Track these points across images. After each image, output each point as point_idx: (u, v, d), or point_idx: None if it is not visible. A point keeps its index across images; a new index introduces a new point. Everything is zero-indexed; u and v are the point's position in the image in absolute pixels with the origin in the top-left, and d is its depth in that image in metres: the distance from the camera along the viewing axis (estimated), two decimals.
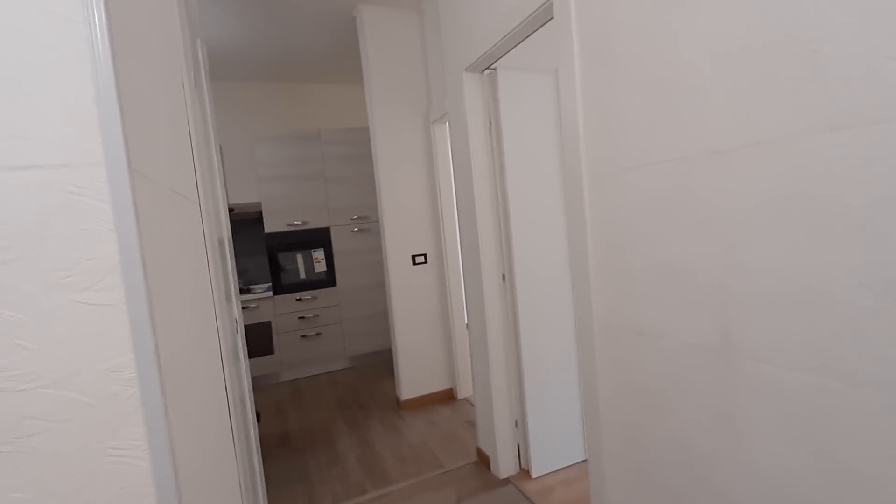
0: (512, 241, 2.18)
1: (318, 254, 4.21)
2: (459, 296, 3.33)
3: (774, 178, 0.95)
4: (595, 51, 1.36)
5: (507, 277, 2.26)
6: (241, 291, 4.11)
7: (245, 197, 4.38)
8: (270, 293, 4.03)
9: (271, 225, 4.05)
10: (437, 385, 3.37)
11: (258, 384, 4.09)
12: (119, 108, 0.53)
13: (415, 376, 3.30)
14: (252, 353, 2.33)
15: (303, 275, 4.16)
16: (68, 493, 0.53)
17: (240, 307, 1.92)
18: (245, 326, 2.92)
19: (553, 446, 2.31)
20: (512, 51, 1.98)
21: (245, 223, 4.40)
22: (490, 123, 2.20)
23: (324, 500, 2.29)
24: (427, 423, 3.03)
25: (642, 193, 1.26)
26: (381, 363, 4.41)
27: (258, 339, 2.52)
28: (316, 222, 4.18)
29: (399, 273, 3.23)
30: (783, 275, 0.95)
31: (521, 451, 2.35)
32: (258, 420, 2.81)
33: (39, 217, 0.51)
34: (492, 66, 2.13)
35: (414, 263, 3.28)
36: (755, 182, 0.98)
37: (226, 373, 1.17)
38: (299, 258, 4.15)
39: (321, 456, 2.72)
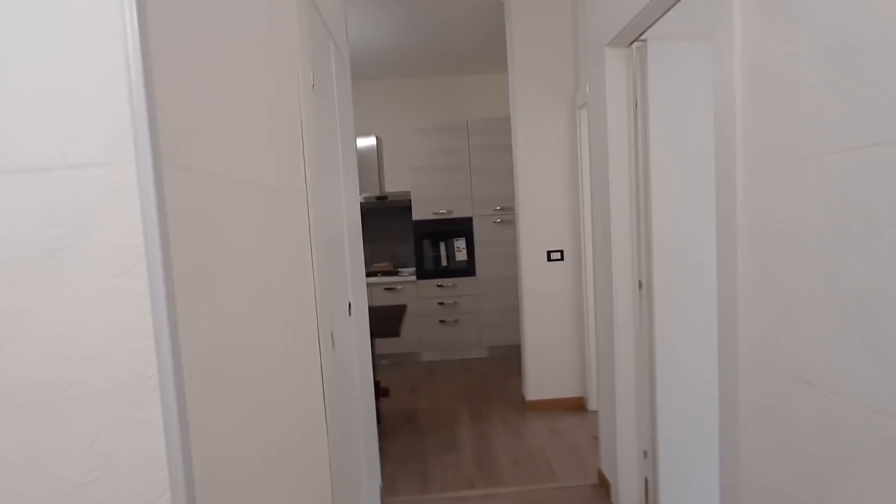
0: (653, 244, 1.86)
1: (460, 243, 4.30)
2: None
3: None
4: (761, 2, 1.03)
5: (644, 285, 1.94)
6: (389, 274, 4.46)
7: (400, 186, 4.73)
8: (414, 277, 4.28)
9: (419, 213, 4.28)
10: (566, 391, 3.14)
11: (399, 361, 4.41)
12: (146, 110, 0.56)
13: (543, 378, 3.14)
14: (378, 333, 2.49)
15: (445, 262, 4.31)
16: (106, 453, 0.59)
17: (363, 290, 2.05)
18: (382, 308, 3.15)
19: (690, 490, 1.93)
20: (665, 16, 1.65)
21: (398, 210, 4.75)
22: (635, 106, 1.89)
23: (433, 484, 2.34)
24: (549, 430, 2.85)
25: (822, 191, 0.91)
26: (515, 358, 4.33)
27: (387, 321, 2.68)
28: (460, 212, 4.27)
29: (532, 268, 3.09)
30: None
31: (650, 487, 2.03)
32: (386, 395, 3.03)
33: (86, 210, 0.57)
34: (640, 38, 1.82)
35: (549, 259, 3.09)
36: None
37: (322, 356, 1.24)
38: (442, 246, 4.31)
39: (441, 441, 2.79)
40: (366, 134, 4.52)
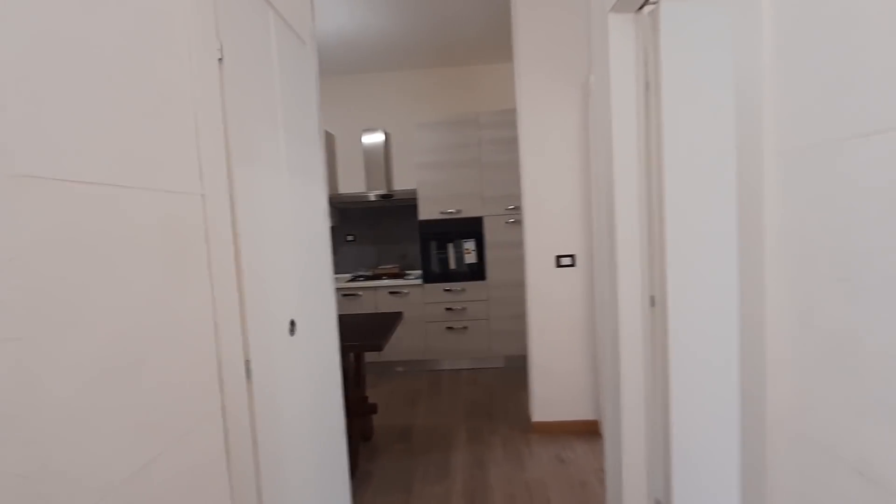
0: (667, 253, 1.52)
1: (469, 244, 4.01)
2: None
3: None
4: None
5: (656, 303, 1.60)
6: (396, 276, 4.22)
7: (409, 183, 4.48)
8: (421, 281, 4.02)
9: (425, 212, 4.01)
10: (577, 413, 2.80)
11: (405, 369, 4.17)
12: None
13: (550, 397, 2.81)
14: (358, 346, 2.25)
15: (453, 265, 4.03)
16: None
17: (328, 302, 1.80)
18: (375, 316, 2.91)
19: None
20: None
21: (407, 209, 4.50)
22: (646, 85, 1.55)
23: None
24: (555, 458, 2.53)
25: (887, 188, 0.58)
26: (526, 369, 4.00)
27: (373, 332, 2.43)
28: (469, 211, 3.98)
29: (539, 275, 2.76)
30: None
31: None
32: (373, 412, 2.78)
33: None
34: (651, 0, 1.47)
35: (558, 265, 2.76)
36: None
37: (225, 393, 1.00)
38: (450, 247, 4.03)
39: (432, 466, 2.52)
40: (373, 129, 4.29)
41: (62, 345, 0.63)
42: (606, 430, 1.86)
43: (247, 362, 1.10)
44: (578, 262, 2.74)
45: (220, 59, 1.06)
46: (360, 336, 2.40)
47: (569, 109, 2.66)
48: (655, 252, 1.59)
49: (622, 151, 1.58)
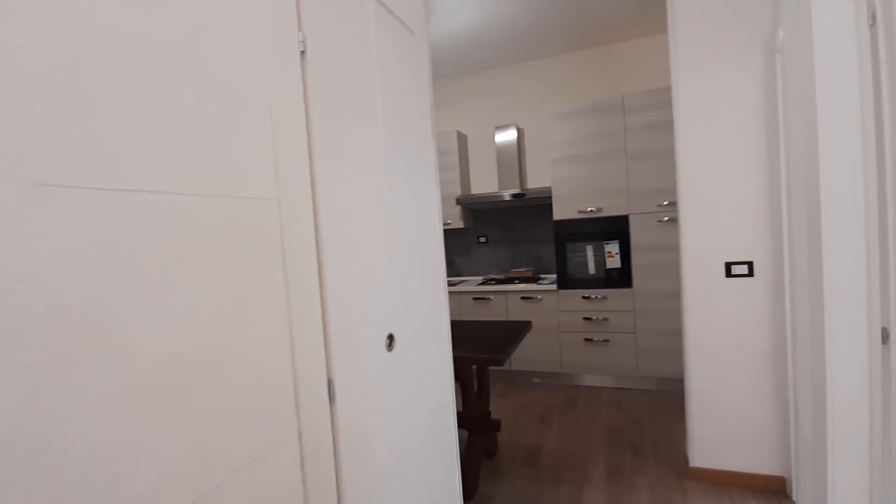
0: None
1: (612, 247, 3.53)
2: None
3: None
4: None
5: (893, 338, 1.08)
6: (529, 280, 3.95)
7: (541, 181, 4.17)
8: (555, 286, 3.69)
9: (560, 211, 3.66)
10: (754, 464, 2.19)
11: (541, 380, 3.87)
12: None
13: (716, 440, 2.25)
14: (475, 360, 2.07)
15: (592, 270, 3.60)
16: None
17: (439, 311, 1.66)
18: (499, 324, 2.70)
19: None
20: None
21: (538, 209, 4.19)
22: (873, 16, 1.04)
23: None
24: None
25: None
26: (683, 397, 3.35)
27: (496, 344, 2.23)
28: (612, 209, 3.51)
29: (702, 285, 2.23)
30: None
31: None
32: (497, 429, 2.57)
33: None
34: None
35: (729, 275, 2.19)
36: None
37: (302, 420, 0.90)
38: (589, 250, 3.61)
39: (559, 499, 2.21)
40: (506, 126, 4.10)
41: (91, 369, 0.56)
42: (801, 479, 1.35)
43: (329, 382, 0.99)
44: (758, 271, 2.14)
45: (303, 52, 0.97)
46: (482, 347, 2.22)
47: (744, 77, 2.08)
48: (892, 268, 1.06)
49: (833, 121, 1.10)
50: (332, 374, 1.00)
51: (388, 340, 1.27)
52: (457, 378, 2.40)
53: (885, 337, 1.08)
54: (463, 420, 2.38)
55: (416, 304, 1.45)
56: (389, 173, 1.32)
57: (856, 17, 1.09)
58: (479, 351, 2.16)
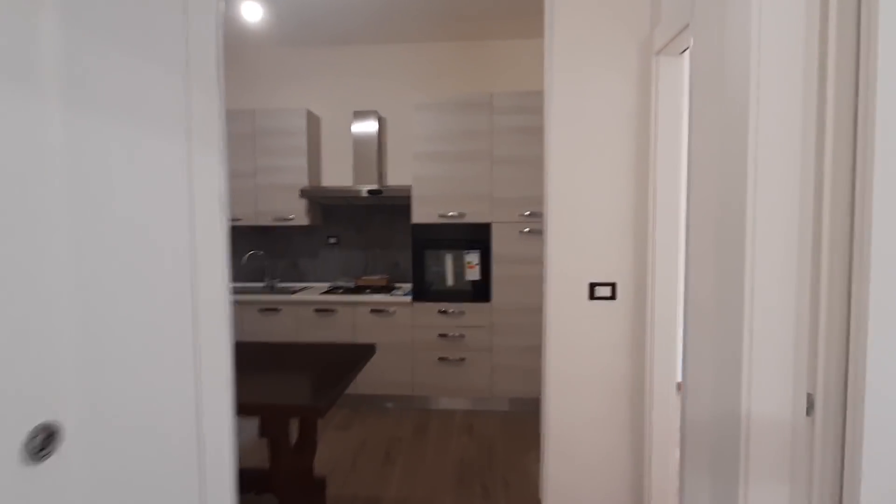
0: (868, 319, 0.74)
1: (473, 257, 3.24)
2: (670, 365, 1.89)
3: None
4: None
5: (819, 408, 0.82)
6: (383, 290, 3.46)
7: (403, 178, 3.73)
8: (410, 298, 3.26)
9: (420, 214, 3.25)
10: None
11: (393, 404, 3.40)
12: None
13: (570, 479, 2.02)
14: (275, 404, 1.49)
15: (451, 281, 3.26)
16: None
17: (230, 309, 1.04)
18: (333, 347, 2.14)
19: None
20: None
21: (398, 209, 3.75)
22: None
23: None
24: None
25: None
26: (539, 419, 3.21)
27: (323, 376, 1.66)
28: (474, 215, 3.21)
29: (564, 306, 1.98)
30: None
31: None
32: (321, 489, 2.01)
33: None
34: None
35: (592, 297, 1.98)
36: None
37: None
38: (448, 259, 3.26)
39: None
40: (366, 112, 3.56)
41: None
42: None
43: None
44: (621, 294, 1.96)
45: None
46: (302, 386, 1.64)
47: (619, 76, 1.89)
48: (832, 320, 0.80)
49: (767, 135, 0.81)
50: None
51: (39, 440, 0.63)
52: (263, 433, 1.78)
53: (810, 405, 0.83)
54: (270, 482, 1.76)
55: (125, 354, 0.82)
56: (64, 105, 0.68)
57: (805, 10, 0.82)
58: (296, 393, 1.58)
